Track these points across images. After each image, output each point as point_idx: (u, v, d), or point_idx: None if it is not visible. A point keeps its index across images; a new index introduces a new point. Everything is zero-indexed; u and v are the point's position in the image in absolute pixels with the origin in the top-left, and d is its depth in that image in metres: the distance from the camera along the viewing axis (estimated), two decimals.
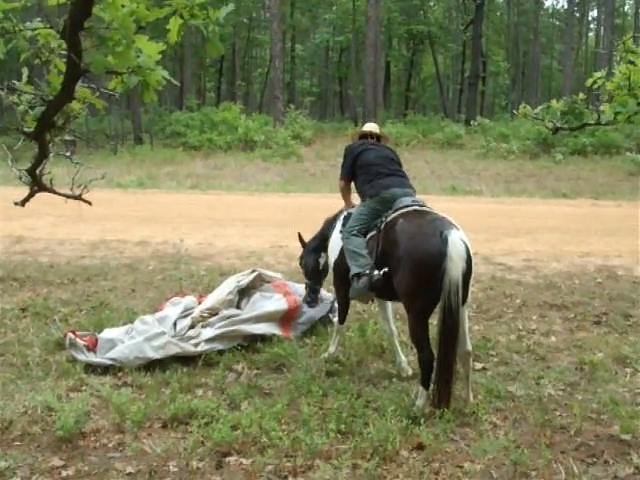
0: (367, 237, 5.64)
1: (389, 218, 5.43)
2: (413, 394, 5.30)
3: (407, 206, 5.44)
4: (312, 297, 6.71)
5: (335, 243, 6.07)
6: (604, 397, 5.40)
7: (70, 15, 2.64)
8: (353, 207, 6.15)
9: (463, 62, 47.59)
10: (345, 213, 6.13)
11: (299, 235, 6.93)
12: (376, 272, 5.34)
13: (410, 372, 5.96)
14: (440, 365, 4.98)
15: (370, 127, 6.50)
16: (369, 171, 5.85)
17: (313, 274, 6.72)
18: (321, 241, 6.56)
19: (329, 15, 45.73)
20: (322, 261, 6.63)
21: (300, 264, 6.95)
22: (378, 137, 6.39)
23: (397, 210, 5.43)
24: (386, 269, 5.27)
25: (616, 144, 27.87)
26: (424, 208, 5.46)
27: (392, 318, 6.28)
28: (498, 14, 53.36)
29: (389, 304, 6.20)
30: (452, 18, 51.80)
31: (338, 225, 6.12)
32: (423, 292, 4.99)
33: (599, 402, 5.33)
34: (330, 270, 6.37)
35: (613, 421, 4.98)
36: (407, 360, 6.10)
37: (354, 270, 5.53)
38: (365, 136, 6.36)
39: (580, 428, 4.85)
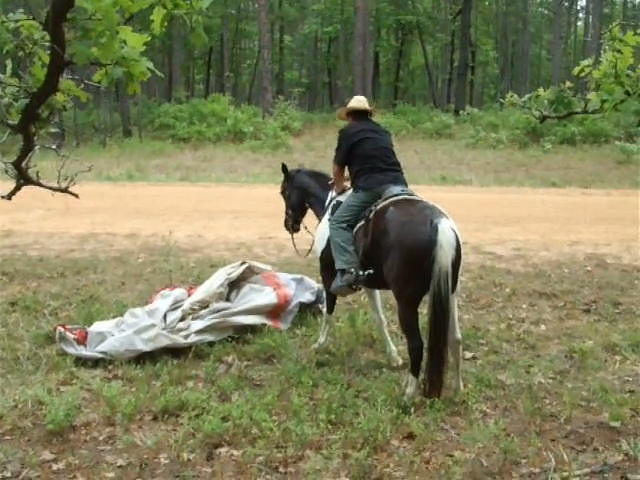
0: (355, 228, 5.64)
1: (379, 206, 5.42)
2: (404, 384, 5.31)
3: (397, 195, 5.45)
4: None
5: (323, 231, 6.06)
6: (594, 385, 5.43)
7: (53, 6, 2.62)
8: (344, 191, 6.13)
9: (452, 52, 47.52)
10: (334, 202, 6.10)
11: (283, 166, 6.88)
12: (361, 272, 5.44)
13: (400, 361, 5.98)
14: (431, 354, 5.00)
15: (360, 103, 6.23)
16: (365, 163, 5.77)
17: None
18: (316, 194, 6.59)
19: (317, 5, 45.52)
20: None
21: (282, 195, 6.97)
22: (369, 112, 6.24)
23: (387, 198, 5.44)
24: (371, 270, 5.36)
25: (605, 133, 28.01)
26: (414, 197, 5.47)
27: (381, 307, 6.30)
28: (487, 3, 53.18)
29: (377, 293, 6.21)
30: (440, 8, 51.69)
31: (327, 214, 6.12)
32: (413, 279, 5.01)
33: (589, 390, 5.36)
34: (317, 258, 6.38)
35: (603, 408, 5.02)
36: (397, 350, 6.11)
37: (339, 265, 5.58)
38: (357, 112, 6.18)
39: (570, 416, 4.87)
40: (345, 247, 5.58)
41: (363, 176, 5.76)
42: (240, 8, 49.74)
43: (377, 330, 6.40)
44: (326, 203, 6.29)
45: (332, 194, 6.26)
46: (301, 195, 6.71)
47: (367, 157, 5.79)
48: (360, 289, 5.92)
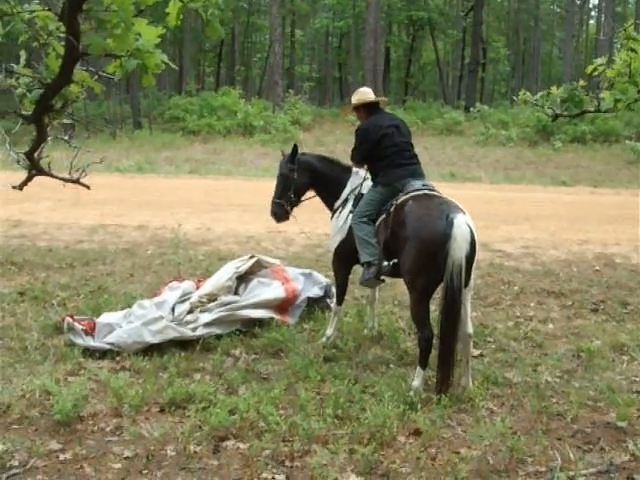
0: (377, 222, 5.70)
1: (399, 200, 5.48)
2: (410, 379, 5.31)
3: (417, 190, 5.50)
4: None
5: (344, 222, 6.06)
6: (601, 384, 5.42)
7: None
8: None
9: (463, 48, 47.44)
10: (356, 192, 6.10)
11: (295, 146, 6.50)
12: (385, 263, 5.50)
13: (371, 325, 6.62)
14: (442, 346, 5.05)
15: (369, 95, 6.13)
16: (384, 159, 5.80)
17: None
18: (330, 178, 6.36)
19: (329, 0, 45.45)
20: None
21: (286, 176, 6.37)
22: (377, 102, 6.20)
23: (408, 193, 5.49)
24: (395, 260, 5.41)
25: (615, 132, 27.85)
26: (434, 192, 5.52)
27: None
28: (499, 0, 53.07)
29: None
30: (452, 4, 51.54)
31: (348, 205, 6.09)
32: (426, 270, 5.07)
33: (596, 389, 5.35)
34: (330, 249, 6.38)
35: (609, 408, 5.01)
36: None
37: (364, 258, 5.67)
38: (368, 105, 6.10)
39: (576, 415, 4.87)
40: (368, 240, 5.66)
41: (382, 171, 5.82)
42: (252, 2, 49.65)
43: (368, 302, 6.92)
44: (345, 192, 6.21)
45: (355, 181, 6.19)
46: (308, 179, 6.35)
47: (386, 153, 5.82)
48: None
